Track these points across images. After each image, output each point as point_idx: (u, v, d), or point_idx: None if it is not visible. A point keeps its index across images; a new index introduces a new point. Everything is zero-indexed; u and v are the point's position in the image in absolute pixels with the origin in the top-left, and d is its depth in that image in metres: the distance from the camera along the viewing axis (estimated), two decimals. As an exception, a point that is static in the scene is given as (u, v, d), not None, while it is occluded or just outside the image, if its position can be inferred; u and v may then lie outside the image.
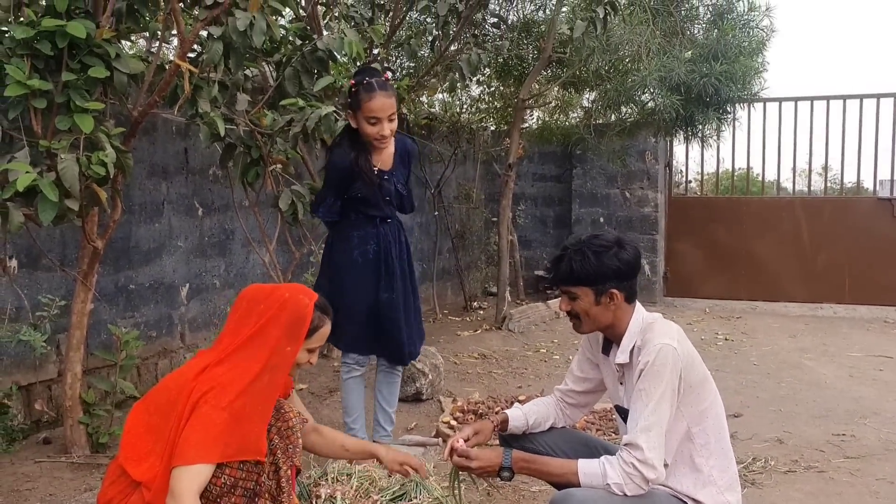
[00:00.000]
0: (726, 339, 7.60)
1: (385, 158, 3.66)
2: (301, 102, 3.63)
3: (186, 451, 2.16)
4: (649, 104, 7.92)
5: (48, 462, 3.80)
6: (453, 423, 4.48)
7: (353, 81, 3.50)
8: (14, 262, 4.08)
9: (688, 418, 2.48)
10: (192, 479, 2.14)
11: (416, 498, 2.84)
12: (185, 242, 5.28)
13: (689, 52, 7.30)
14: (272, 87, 4.04)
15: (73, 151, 3.02)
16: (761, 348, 7.17)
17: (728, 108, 8.04)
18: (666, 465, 2.40)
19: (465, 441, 2.69)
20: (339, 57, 4.07)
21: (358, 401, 3.76)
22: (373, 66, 3.80)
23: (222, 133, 3.45)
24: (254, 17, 3.16)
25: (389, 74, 3.56)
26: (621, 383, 2.64)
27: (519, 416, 2.84)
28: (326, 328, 2.51)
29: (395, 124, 3.51)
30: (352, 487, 2.74)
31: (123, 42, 4.30)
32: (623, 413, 2.61)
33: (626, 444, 2.39)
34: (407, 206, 3.83)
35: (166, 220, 5.11)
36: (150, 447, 2.26)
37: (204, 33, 3.33)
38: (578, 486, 2.41)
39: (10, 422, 3.95)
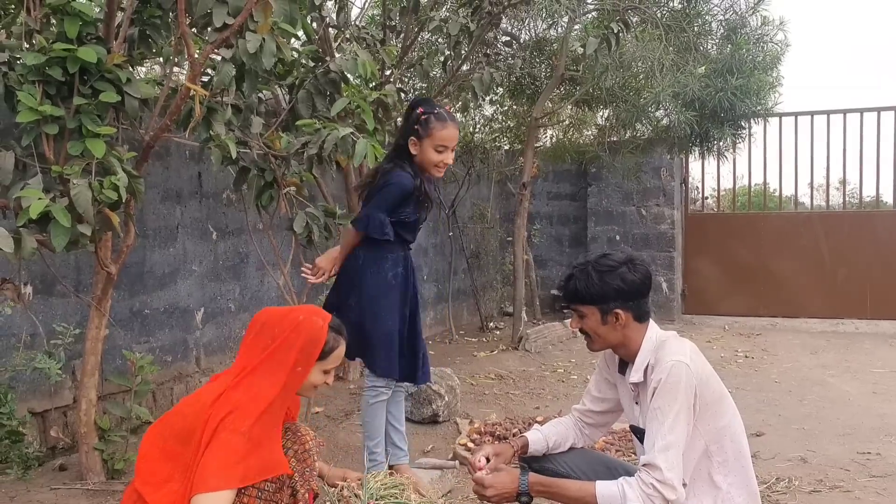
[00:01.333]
0: (746, 357, 7.51)
1: None
2: (317, 124, 3.62)
3: (207, 478, 2.14)
4: (663, 121, 7.89)
5: (64, 489, 3.77)
6: (470, 445, 4.44)
7: (421, 109, 3.52)
8: (29, 289, 4.08)
9: (705, 436, 2.44)
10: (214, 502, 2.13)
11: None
12: (199, 266, 5.27)
13: (703, 68, 7.28)
14: (285, 109, 4.03)
15: (86, 177, 3.01)
16: (782, 365, 7.07)
17: (743, 124, 8.00)
18: (684, 485, 2.35)
19: (486, 460, 2.66)
20: (351, 79, 4.07)
21: (381, 425, 3.70)
22: (431, 98, 3.84)
23: (234, 155, 3.44)
24: (263, 39, 3.15)
25: (450, 108, 3.62)
26: (637, 403, 2.60)
27: (539, 440, 2.81)
28: (341, 349, 2.50)
29: (454, 154, 3.59)
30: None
31: (138, 67, 4.33)
32: (639, 433, 2.57)
33: (644, 465, 2.35)
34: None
35: (181, 245, 5.11)
36: (169, 473, 2.23)
37: (216, 57, 3.33)
38: (596, 509, 2.36)
39: (26, 449, 3.93)
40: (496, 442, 4.41)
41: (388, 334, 3.59)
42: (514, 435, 4.44)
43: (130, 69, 3.34)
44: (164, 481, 2.23)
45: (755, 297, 9.60)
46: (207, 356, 5.32)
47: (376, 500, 2.79)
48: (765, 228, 9.62)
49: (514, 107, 8.71)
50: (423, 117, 3.49)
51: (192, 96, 3.25)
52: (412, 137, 3.51)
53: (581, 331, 2.65)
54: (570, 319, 2.78)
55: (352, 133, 3.56)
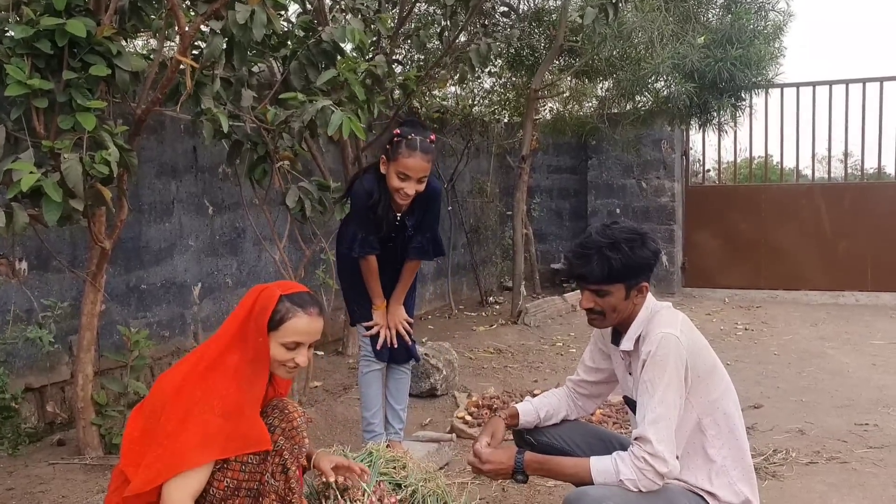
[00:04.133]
0: (746, 329, 7.50)
1: (404, 206, 3.63)
2: (301, 97, 3.57)
3: (175, 460, 2.14)
4: (663, 92, 7.82)
5: (61, 464, 3.78)
6: (468, 418, 4.44)
7: (397, 131, 3.42)
8: (23, 265, 4.07)
9: (698, 409, 2.43)
10: (183, 487, 2.13)
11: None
12: (195, 241, 5.26)
13: (703, 38, 7.20)
14: (278, 81, 3.99)
15: (77, 151, 2.99)
16: (782, 338, 7.07)
17: (743, 95, 7.92)
18: (677, 458, 2.34)
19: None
20: (347, 50, 4.02)
21: (377, 395, 3.73)
22: (417, 121, 3.77)
23: (226, 129, 3.41)
24: (254, 9, 3.11)
25: (434, 137, 3.50)
26: (629, 373, 2.59)
27: (529, 411, 2.79)
28: (297, 321, 2.35)
29: (422, 186, 3.44)
30: (363, 493, 2.69)
31: (130, 41, 4.28)
32: (632, 404, 2.56)
33: (635, 439, 2.34)
34: (429, 249, 3.73)
35: (176, 220, 5.09)
36: (146, 451, 2.23)
37: (206, 29, 3.29)
38: (592, 484, 2.35)
39: (23, 424, 3.94)
40: (490, 420, 4.42)
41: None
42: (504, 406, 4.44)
43: (121, 42, 3.30)
44: (143, 459, 2.23)
45: (755, 269, 9.58)
46: (205, 331, 5.31)
47: (377, 475, 2.80)
48: (766, 201, 9.57)
49: (513, 78, 8.63)
50: (395, 139, 3.40)
51: (183, 69, 3.21)
52: (383, 157, 3.47)
53: (591, 310, 2.54)
54: (570, 294, 2.74)
55: (329, 105, 3.51)
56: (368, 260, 3.59)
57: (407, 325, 3.76)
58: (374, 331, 3.67)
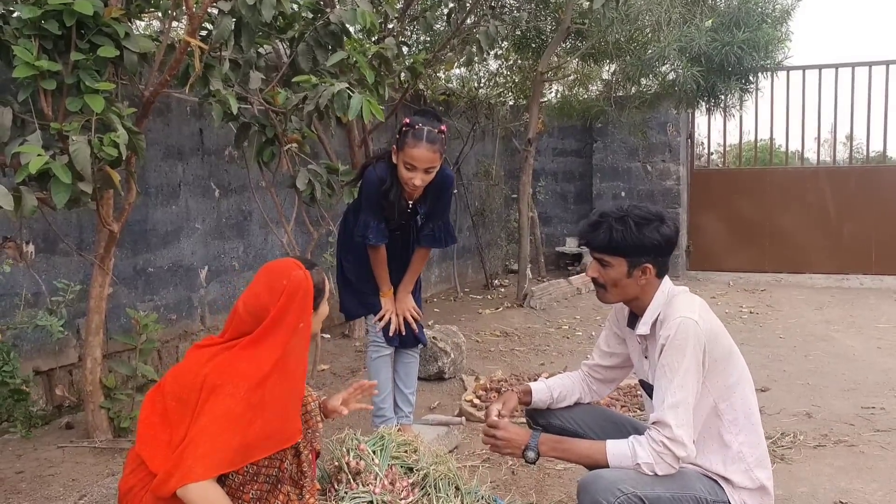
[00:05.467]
0: (751, 313, 7.50)
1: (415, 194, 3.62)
2: (314, 79, 3.55)
3: (194, 465, 2.10)
4: (670, 75, 7.77)
5: (71, 447, 3.79)
6: (476, 401, 4.44)
7: (407, 120, 3.40)
8: (31, 248, 4.06)
9: (714, 394, 2.42)
10: (204, 495, 2.11)
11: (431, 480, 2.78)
12: (202, 224, 5.24)
13: (710, 21, 7.15)
14: (286, 64, 3.96)
15: (85, 133, 2.96)
16: (787, 321, 7.07)
17: (751, 78, 7.88)
18: (693, 442, 2.33)
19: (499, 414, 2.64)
20: (352, 31, 3.98)
21: (386, 380, 3.72)
22: (431, 110, 3.70)
23: (235, 111, 3.38)
24: (263, -9, 3.08)
25: (445, 127, 3.46)
26: (646, 357, 2.58)
27: (542, 390, 2.79)
28: (327, 284, 2.49)
29: (430, 176, 3.41)
30: (375, 477, 2.69)
31: (137, 23, 4.25)
32: (648, 388, 2.55)
33: (654, 423, 2.33)
34: (441, 238, 3.73)
35: (183, 202, 5.08)
36: (169, 437, 2.21)
37: (214, 11, 3.26)
38: (607, 466, 2.35)
39: (32, 407, 3.94)
40: (499, 396, 4.42)
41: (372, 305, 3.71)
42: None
43: (129, 23, 3.27)
44: (164, 446, 2.21)
45: (760, 252, 9.57)
46: (212, 314, 5.31)
47: (390, 459, 2.80)
48: (770, 184, 9.54)
49: (520, 61, 8.59)
50: (404, 128, 3.39)
51: (191, 51, 3.19)
52: (394, 146, 3.45)
53: (595, 280, 2.57)
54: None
55: (347, 88, 3.48)
56: (380, 248, 3.57)
57: (415, 312, 3.75)
58: (385, 320, 3.66)
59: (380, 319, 3.67)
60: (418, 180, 3.37)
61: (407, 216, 3.62)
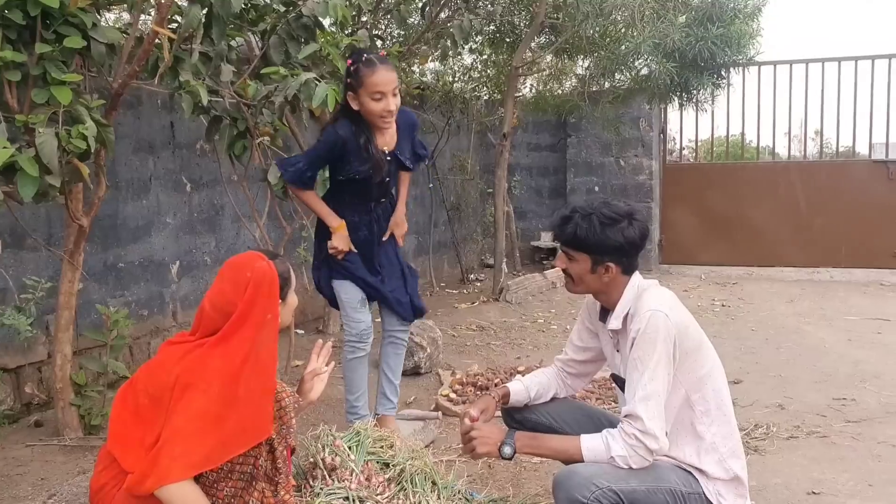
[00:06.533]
0: (723, 306, 7.56)
1: (388, 139, 3.54)
2: (283, 71, 3.51)
3: (187, 460, 2.08)
4: (643, 70, 7.80)
5: (40, 445, 3.73)
6: (452, 396, 4.44)
7: (350, 61, 3.36)
8: (-2, 243, 3.99)
9: (685, 385, 2.43)
10: (182, 495, 2.08)
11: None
12: (173, 219, 5.18)
13: (684, 17, 7.17)
14: (257, 56, 3.92)
15: (52, 126, 2.91)
16: (759, 314, 7.13)
17: (723, 73, 7.93)
18: (666, 434, 2.34)
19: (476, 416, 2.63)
20: (325, 24, 3.95)
21: (362, 379, 3.68)
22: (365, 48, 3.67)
23: (205, 102, 3.34)
24: (233, -19, 3.04)
25: (385, 53, 3.43)
26: (617, 350, 2.59)
27: (520, 390, 2.78)
28: (291, 273, 2.48)
29: (398, 99, 3.37)
30: (351, 472, 2.67)
31: (105, 13, 4.18)
32: (620, 382, 2.56)
33: (626, 416, 2.34)
34: (422, 154, 3.79)
35: (154, 197, 5.01)
36: (142, 435, 2.18)
37: (183, 1, 3.22)
38: (582, 461, 2.35)
39: (0, 405, 3.88)
40: (478, 393, 4.41)
41: (353, 294, 3.61)
42: (495, 385, 4.44)
43: (96, 13, 3.21)
44: (137, 444, 2.18)
45: (732, 246, 9.64)
46: (184, 310, 5.25)
47: (366, 455, 2.78)
48: (742, 178, 9.62)
49: (494, 56, 8.57)
50: (352, 68, 3.33)
51: (160, 42, 3.14)
52: (349, 93, 3.37)
53: (565, 271, 2.60)
54: (550, 271, 2.73)
55: (314, 77, 3.44)
56: (305, 190, 3.51)
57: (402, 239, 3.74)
58: (338, 253, 3.55)
59: (332, 249, 3.55)
60: (391, 105, 3.33)
61: (385, 167, 3.53)
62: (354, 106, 3.36)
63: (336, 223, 3.53)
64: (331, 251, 3.55)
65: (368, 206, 3.59)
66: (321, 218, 3.57)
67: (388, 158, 3.54)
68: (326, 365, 2.77)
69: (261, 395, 2.25)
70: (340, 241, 3.53)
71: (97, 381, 4.03)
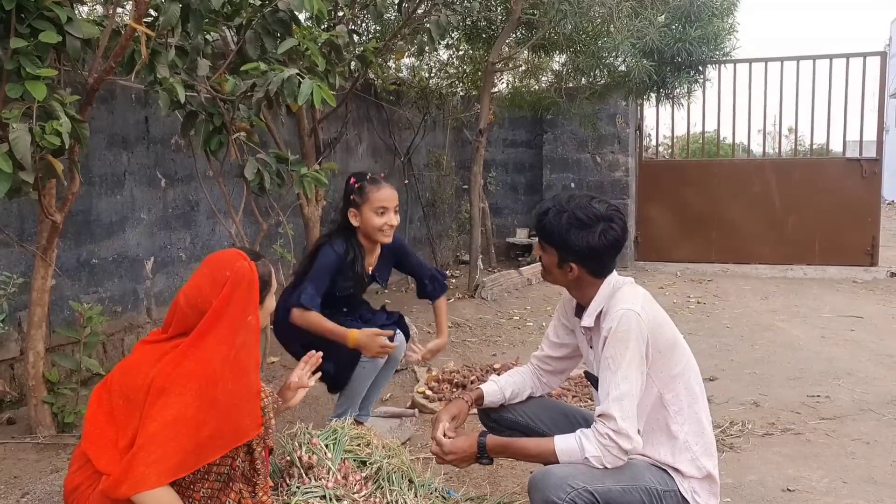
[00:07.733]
0: (698, 303, 7.62)
1: (372, 260, 3.65)
2: (263, 66, 3.48)
3: (161, 466, 2.06)
4: (621, 67, 7.83)
5: (12, 443, 3.69)
6: (428, 392, 4.43)
7: (353, 179, 3.50)
8: (-31, 238, 3.93)
9: (658, 384, 2.43)
10: (157, 501, 2.07)
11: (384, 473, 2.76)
12: (148, 215, 5.13)
13: (663, 17, 7.21)
14: (233, 51, 3.89)
15: (26, 121, 2.87)
16: (734, 311, 7.19)
17: (700, 69, 7.99)
18: (638, 432, 2.35)
19: (445, 433, 2.62)
20: (302, 19, 3.93)
21: (364, 389, 3.65)
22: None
23: (182, 99, 3.31)
24: (211, -24, 3.01)
25: (384, 175, 3.60)
26: (591, 348, 2.59)
27: (495, 391, 2.78)
28: (272, 277, 2.49)
29: (398, 217, 3.54)
30: (328, 471, 2.66)
31: (80, 8, 4.13)
32: (593, 380, 2.56)
33: (599, 416, 2.34)
34: (440, 281, 3.83)
35: (128, 192, 4.96)
36: (115, 436, 2.16)
37: (160, -4, 3.19)
38: (557, 463, 2.35)
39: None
40: (454, 391, 4.42)
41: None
42: (471, 382, 4.44)
43: (71, 7, 3.17)
44: (111, 445, 2.16)
45: (707, 243, 9.72)
46: (158, 306, 5.21)
47: (343, 453, 2.77)
48: (717, 176, 9.70)
49: (471, 51, 8.57)
50: (356, 186, 3.47)
51: (137, 37, 3.10)
52: (351, 209, 3.47)
53: (539, 259, 2.65)
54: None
55: (297, 74, 3.43)
56: (310, 311, 3.42)
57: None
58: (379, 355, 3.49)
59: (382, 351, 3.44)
60: (393, 220, 3.49)
61: (364, 287, 3.65)
62: (355, 222, 3.48)
63: (346, 333, 3.38)
64: (382, 353, 3.44)
65: (346, 314, 3.61)
66: (332, 337, 3.39)
67: (367, 278, 3.64)
68: (312, 374, 2.79)
69: (241, 399, 2.24)
70: (369, 340, 3.38)
71: (70, 379, 3.98)
